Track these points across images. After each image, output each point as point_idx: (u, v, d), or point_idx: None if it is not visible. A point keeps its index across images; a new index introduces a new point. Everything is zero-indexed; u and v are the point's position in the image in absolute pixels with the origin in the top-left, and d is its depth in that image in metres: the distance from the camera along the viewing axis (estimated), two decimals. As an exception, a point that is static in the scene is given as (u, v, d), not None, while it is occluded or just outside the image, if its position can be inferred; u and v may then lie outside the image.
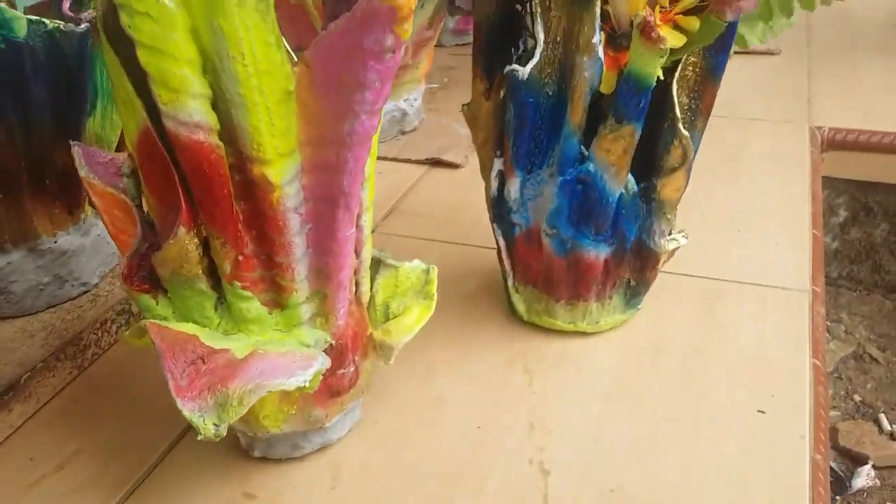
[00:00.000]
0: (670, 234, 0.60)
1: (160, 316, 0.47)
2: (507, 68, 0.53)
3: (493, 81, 0.59)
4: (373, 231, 0.60)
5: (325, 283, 0.47)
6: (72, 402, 0.60)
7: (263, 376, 0.43)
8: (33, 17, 0.53)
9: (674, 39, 0.50)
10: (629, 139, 0.53)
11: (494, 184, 0.60)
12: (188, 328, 0.46)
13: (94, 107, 0.61)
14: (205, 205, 0.42)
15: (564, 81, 0.54)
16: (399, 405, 0.58)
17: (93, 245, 0.67)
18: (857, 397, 1.00)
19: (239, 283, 0.45)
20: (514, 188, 0.58)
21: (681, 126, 0.54)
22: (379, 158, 0.97)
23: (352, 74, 0.39)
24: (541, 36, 0.52)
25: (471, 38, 0.60)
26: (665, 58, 0.50)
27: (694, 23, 0.51)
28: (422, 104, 1.05)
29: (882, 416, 0.97)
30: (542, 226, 0.59)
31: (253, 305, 0.46)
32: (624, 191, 0.56)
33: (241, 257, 0.44)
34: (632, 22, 0.51)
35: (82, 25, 0.55)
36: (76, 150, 0.46)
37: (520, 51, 0.57)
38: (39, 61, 0.55)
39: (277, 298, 0.47)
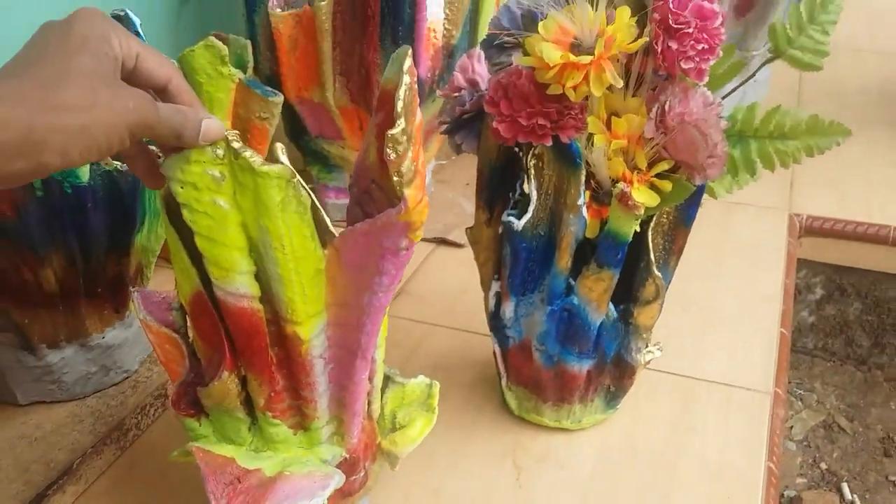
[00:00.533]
0: (647, 347, 0.69)
1: (202, 435, 0.55)
2: (505, 217, 0.62)
3: (493, 213, 0.67)
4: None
5: (342, 411, 0.55)
6: (115, 483, 0.68)
7: (290, 499, 0.51)
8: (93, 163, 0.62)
9: (649, 200, 0.58)
10: (608, 282, 0.61)
11: (492, 301, 0.69)
12: (226, 450, 0.54)
13: (143, 224, 0.69)
14: (245, 354, 0.51)
15: (554, 227, 0.62)
16: (401, 495, 0.66)
17: (134, 336, 0.76)
18: (823, 465, 1.08)
19: (270, 413, 0.53)
20: (508, 309, 0.66)
21: (654, 268, 0.62)
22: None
23: (372, 263, 0.47)
24: (534, 195, 0.60)
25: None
26: (640, 218, 0.58)
27: (667, 185, 0.59)
28: (431, 178, 1.14)
29: (844, 486, 1.05)
30: (532, 341, 0.67)
31: (281, 430, 0.54)
32: (605, 317, 0.65)
33: (273, 393, 0.53)
34: (613, 183, 0.60)
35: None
36: (136, 296, 0.54)
37: (517, 193, 0.65)
38: (99, 198, 0.63)
39: (302, 423, 0.55)
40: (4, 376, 0.71)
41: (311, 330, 0.50)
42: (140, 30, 0.68)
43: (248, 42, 0.87)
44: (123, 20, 0.68)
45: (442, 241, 1.04)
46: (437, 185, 1.15)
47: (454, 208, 1.10)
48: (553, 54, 0.53)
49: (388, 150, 0.42)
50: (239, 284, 0.48)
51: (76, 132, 0.37)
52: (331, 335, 0.52)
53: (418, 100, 0.44)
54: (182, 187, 0.45)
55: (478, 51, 0.66)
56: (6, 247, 0.61)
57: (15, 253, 0.61)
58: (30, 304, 0.65)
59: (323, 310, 0.50)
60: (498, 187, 0.66)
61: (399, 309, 0.91)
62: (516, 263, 0.63)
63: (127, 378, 0.76)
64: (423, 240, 1.04)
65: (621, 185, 0.57)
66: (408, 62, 0.42)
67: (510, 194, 0.65)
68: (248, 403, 0.54)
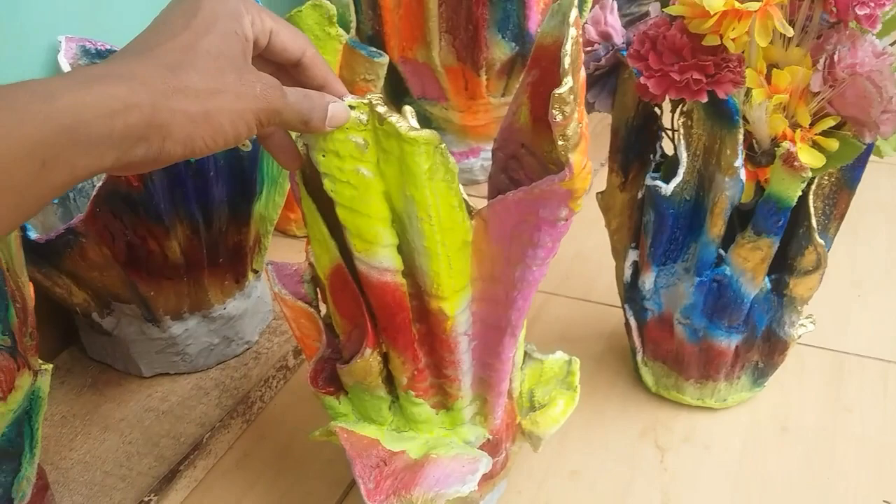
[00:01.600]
0: (800, 320, 0.63)
1: (341, 413, 0.53)
2: (650, 181, 0.57)
3: (627, 176, 0.62)
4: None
5: (486, 391, 0.52)
6: (243, 456, 0.67)
7: (440, 484, 0.48)
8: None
9: (813, 161, 0.53)
10: (767, 250, 0.56)
11: (628, 272, 0.64)
12: (369, 430, 0.52)
13: (261, 192, 0.67)
14: (388, 330, 0.48)
15: (703, 191, 0.57)
16: (539, 477, 0.63)
17: (253, 307, 0.74)
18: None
19: (413, 392, 0.51)
20: (648, 280, 0.62)
21: (816, 235, 0.56)
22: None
23: (526, 234, 0.43)
24: (684, 157, 0.55)
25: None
26: (805, 180, 0.53)
27: (833, 144, 0.53)
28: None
29: None
30: (674, 314, 0.63)
31: (424, 409, 0.52)
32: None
33: (416, 371, 0.50)
34: (772, 141, 0.54)
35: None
36: (269, 268, 0.52)
37: (657, 155, 0.60)
38: (220, 167, 0.61)
39: (444, 402, 0.52)
40: (129, 349, 0.70)
41: (457, 305, 0.47)
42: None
43: (351, 0, 0.84)
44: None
45: (556, 206, 0.99)
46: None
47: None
48: (716, 1, 0.48)
49: (553, 111, 0.38)
50: (382, 258, 0.45)
51: (200, 119, 0.34)
52: (476, 311, 0.48)
53: (583, 55, 0.40)
54: (324, 156, 0.42)
55: (610, 1, 0.61)
56: (134, 218, 0.59)
57: (142, 224, 0.60)
58: (155, 276, 0.64)
59: (468, 284, 0.47)
60: (634, 149, 0.61)
61: (516, 277, 0.88)
62: (661, 231, 0.59)
63: (248, 349, 0.75)
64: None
65: (786, 144, 0.52)
66: (573, 14, 0.38)
67: (650, 156, 0.61)
68: (389, 381, 0.52)
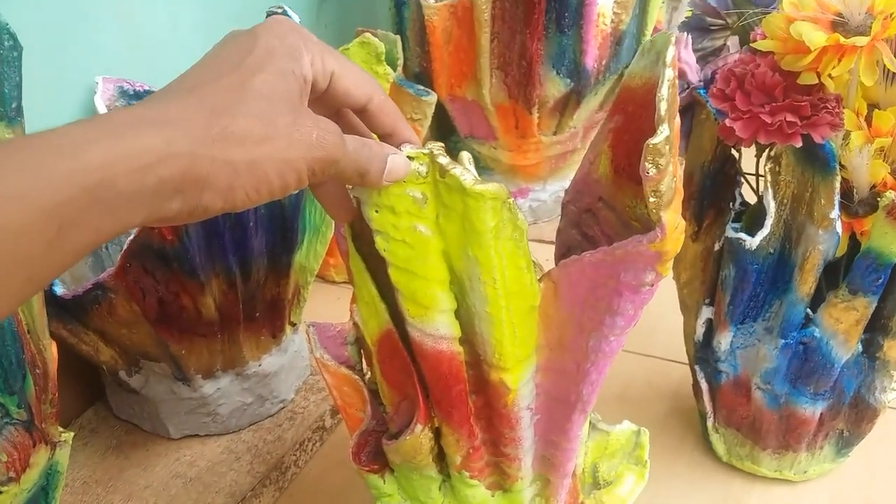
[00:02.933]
0: (891, 385, 0.57)
1: (386, 494, 0.48)
2: (732, 235, 0.52)
3: (701, 225, 0.57)
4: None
5: (549, 471, 0.46)
6: (276, 528, 0.62)
7: None
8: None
9: (920, 213, 0.47)
10: (863, 311, 0.50)
11: (700, 330, 0.58)
12: None
13: (302, 241, 0.63)
14: (442, 403, 0.43)
15: (790, 244, 0.52)
16: (601, 558, 0.57)
17: (290, 362, 0.69)
18: None
19: (467, 473, 0.45)
20: (724, 341, 0.56)
21: (917, 293, 0.51)
22: (545, 242, 0.97)
23: (604, 300, 0.38)
24: (772, 207, 0.50)
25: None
26: (910, 234, 0.47)
27: (940, 193, 0.47)
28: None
29: None
30: (752, 378, 0.57)
31: (479, 491, 0.46)
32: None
33: (471, 449, 0.44)
34: (872, 191, 0.49)
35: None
36: (311, 330, 0.47)
37: (737, 203, 0.55)
38: (260, 215, 0.57)
39: (502, 483, 0.47)
40: (157, 409, 0.66)
41: (521, 377, 0.42)
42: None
43: (398, 37, 0.80)
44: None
45: (606, 251, 0.94)
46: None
47: (615, 213, 1.00)
48: (817, 36, 0.42)
49: (646, 163, 0.33)
50: (439, 324, 0.40)
51: (244, 168, 0.29)
52: (541, 382, 0.43)
53: (678, 101, 0.35)
54: (377, 211, 0.37)
55: (685, 36, 0.56)
56: (167, 273, 0.55)
57: (175, 280, 0.55)
58: (188, 333, 0.59)
59: (533, 352, 0.42)
60: (709, 195, 0.56)
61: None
62: (742, 288, 0.53)
63: (283, 408, 0.70)
64: (584, 249, 0.95)
65: (892, 194, 0.46)
66: (670, 53, 0.33)
67: (728, 203, 0.55)
68: (440, 459, 0.46)
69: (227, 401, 0.66)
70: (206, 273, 0.56)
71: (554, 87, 0.85)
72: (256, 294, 0.61)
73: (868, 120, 0.48)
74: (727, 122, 0.47)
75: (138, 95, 0.69)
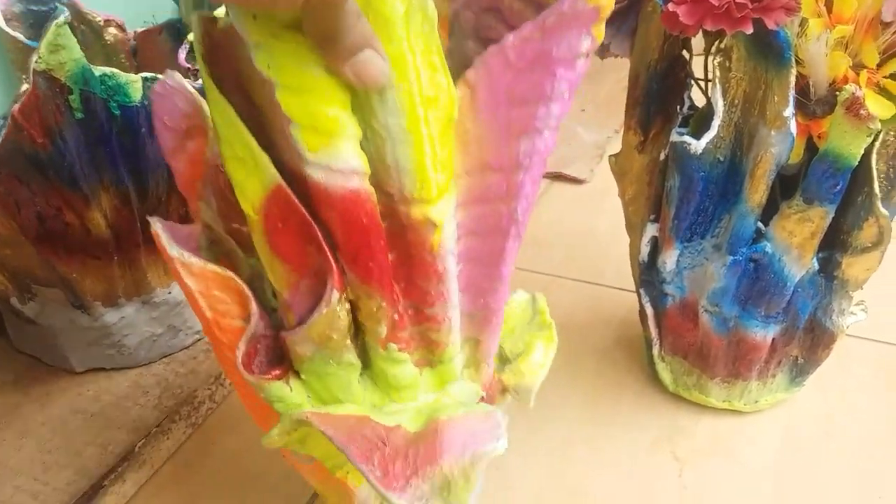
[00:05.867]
0: (850, 308, 0.53)
1: (295, 404, 0.42)
2: (677, 138, 0.46)
3: (648, 134, 0.52)
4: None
5: (479, 329, 0.40)
6: (185, 467, 0.57)
7: (472, 444, 0.37)
8: (148, 76, 0.49)
9: (883, 110, 0.42)
10: (819, 222, 0.45)
11: (645, 249, 0.54)
12: (346, 410, 0.41)
13: (210, 153, 0.57)
14: (359, 262, 0.36)
15: (741, 149, 0.46)
16: (531, 496, 0.52)
17: (206, 290, 0.64)
18: None
19: (395, 346, 0.39)
20: (670, 259, 0.51)
21: (879, 204, 0.46)
22: (495, 168, 0.91)
23: (536, 88, 0.32)
24: (720, 106, 0.44)
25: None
26: (872, 134, 0.42)
27: (906, 89, 0.42)
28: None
29: None
30: (700, 300, 0.52)
31: (407, 369, 0.40)
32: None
33: (396, 316, 0.39)
34: (831, 87, 0.44)
35: (199, 81, 0.50)
36: (159, 227, 0.40)
37: (685, 107, 0.50)
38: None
39: (429, 357, 0.40)
40: (57, 339, 0.60)
41: (446, 210, 0.35)
42: None
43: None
44: None
45: (557, 177, 0.89)
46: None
47: (569, 138, 0.95)
48: None
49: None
50: (348, 155, 0.32)
51: None
52: (462, 220, 0.37)
53: None
54: (255, 17, 0.30)
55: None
56: (41, 184, 0.48)
57: (54, 192, 0.49)
58: (77, 254, 0.53)
59: (453, 182, 0.36)
60: (657, 100, 0.51)
61: (513, 257, 0.77)
62: (688, 199, 0.48)
63: (199, 339, 0.65)
64: (535, 175, 0.90)
65: (851, 87, 0.41)
66: None
67: (677, 108, 0.50)
68: (356, 341, 0.40)
69: (133, 331, 0.60)
70: (92, 185, 0.50)
71: None
72: (158, 212, 0.55)
73: (828, 5, 0.42)
74: (670, 6, 0.41)
75: (37, 0, 0.62)
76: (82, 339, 0.60)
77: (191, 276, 0.37)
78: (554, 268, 0.74)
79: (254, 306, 0.39)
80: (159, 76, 0.49)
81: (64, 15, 0.46)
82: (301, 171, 0.33)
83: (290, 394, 0.41)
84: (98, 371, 0.62)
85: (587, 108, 0.98)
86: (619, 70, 0.98)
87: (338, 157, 0.33)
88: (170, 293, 0.60)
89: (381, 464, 0.38)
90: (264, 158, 0.34)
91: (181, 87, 0.40)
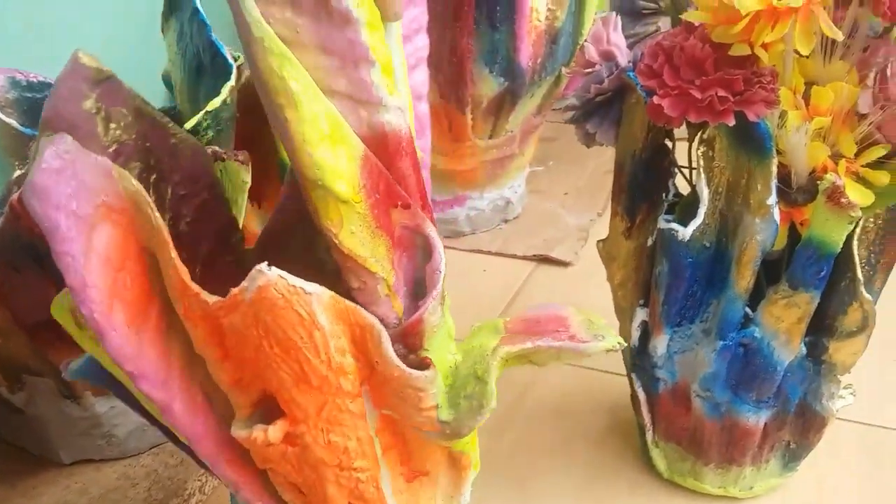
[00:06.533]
0: (839, 392, 0.53)
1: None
2: (664, 225, 0.47)
3: (634, 220, 0.53)
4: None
5: None
6: (175, 562, 0.56)
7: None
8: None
9: (862, 198, 0.43)
10: (805, 307, 0.46)
11: (636, 334, 0.54)
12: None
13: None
14: (424, 199, 0.36)
15: (726, 235, 0.48)
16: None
17: (197, 378, 0.63)
18: None
19: None
20: (661, 344, 0.52)
21: (862, 289, 0.47)
22: (483, 252, 0.92)
23: None
24: (706, 195, 0.46)
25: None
26: (854, 221, 0.43)
27: (882, 178, 0.44)
28: (525, 188, 1.00)
29: None
30: (692, 385, 0.52)
31: None
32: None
33: None
34: (811, 176, 0.45)
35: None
36: None
37: (670, 194, 0.51)
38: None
39: None
40: (46, 430, 0.59)
41: None
42: None
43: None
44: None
45: (544, 260, 0.90)
46: (531, 196, 1.01)
47: (555, 221, 0.96)
48: (748, 0, 0.39)
49: None
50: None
51: None
52: None
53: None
54: None
55: (614, 17, 0.52)
56: (37, 273, 0.49)
57: (48, 281, 0.49)
58: (71, 344, 0.53)
59: None
60: (642, 187, 0.52)
61: (503, 341, 0.77)
62: (676, 285, 0.49)
63: (188, 429, 0.64)
64: (523, 258, 0.90)
65: (831, 176, 0.42)
66: None
67: (663, 195, 0.51)
68: None
69: (123, 421, 0.60)
70: (87, 274, 0.50)
71: (487, 85, 0.81)
72: (152, 301, 0.56)
73: (806, 99, 0.44)
74: (655, 99, 0.43)
75: (32, 87, 0.64)
76: (72, 430, 0.59)
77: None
78: (544, 352, 0.74)
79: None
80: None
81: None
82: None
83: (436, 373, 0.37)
84: (87, 463, 0.61)
85: (570, 192, 1.00)
86: (600, 155, 1.01)
87: (400, 98, 0.33)
88: (161, 382, 0.60)
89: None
90: (346, 125, 0.32)
91: (82, 153, 0.31)
